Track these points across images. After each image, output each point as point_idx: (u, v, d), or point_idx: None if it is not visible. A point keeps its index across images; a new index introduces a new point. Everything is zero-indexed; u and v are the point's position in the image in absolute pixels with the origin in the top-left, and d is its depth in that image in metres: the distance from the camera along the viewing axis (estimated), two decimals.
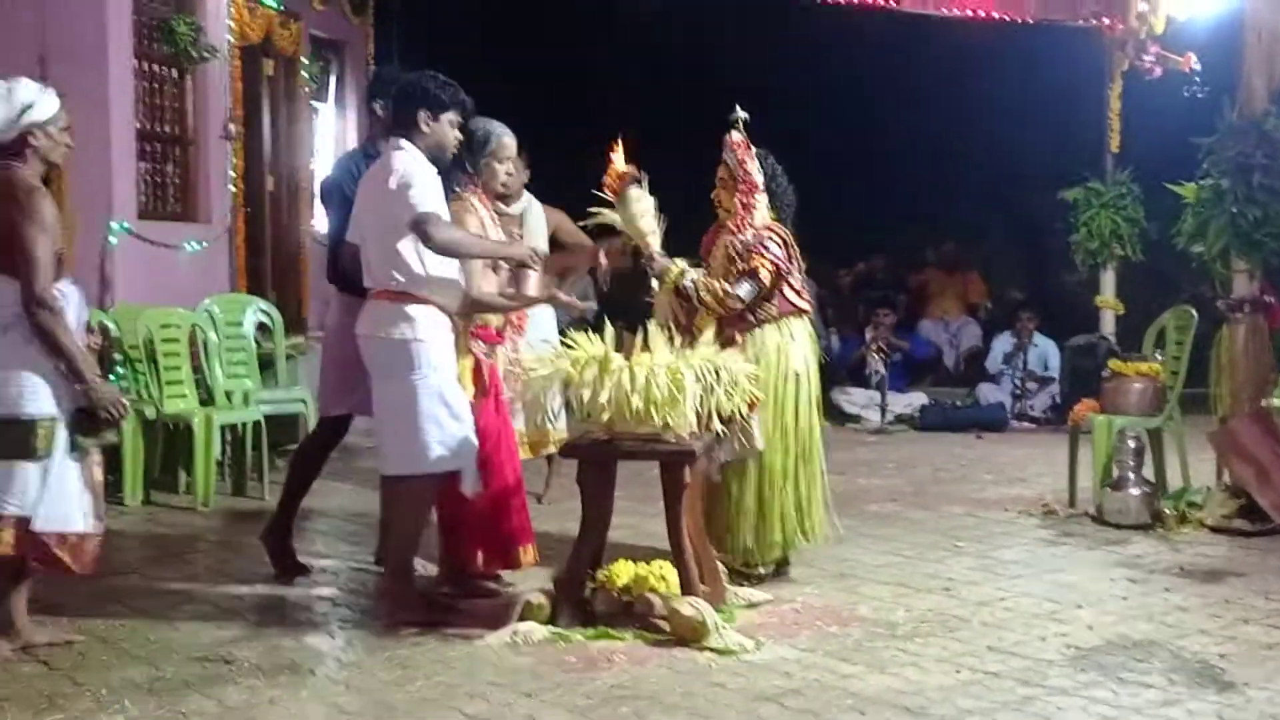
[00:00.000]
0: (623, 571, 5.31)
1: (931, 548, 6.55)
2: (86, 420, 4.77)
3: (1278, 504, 6.59)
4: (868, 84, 13.24)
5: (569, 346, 5.29)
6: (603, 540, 5.37)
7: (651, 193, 5.71)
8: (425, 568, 5.70)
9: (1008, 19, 10.56)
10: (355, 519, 7.15)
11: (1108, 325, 11.19)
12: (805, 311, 5.86)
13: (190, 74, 9.53)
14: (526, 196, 7.56)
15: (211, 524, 7.14)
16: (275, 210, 10.90)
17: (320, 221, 5.80)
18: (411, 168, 5.19)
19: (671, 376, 5.08)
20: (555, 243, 7.80)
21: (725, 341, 5.56)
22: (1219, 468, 7.27)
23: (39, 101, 4.84)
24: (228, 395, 8.11)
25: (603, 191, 5.72)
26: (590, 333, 5.30)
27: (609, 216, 5.74)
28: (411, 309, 5.16)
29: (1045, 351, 11.49)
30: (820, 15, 10.74)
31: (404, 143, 5.28)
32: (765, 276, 5.66)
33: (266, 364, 8.71)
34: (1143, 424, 7.27)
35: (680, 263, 5.72)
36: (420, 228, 5.09)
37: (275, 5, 10.42)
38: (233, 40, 9.85)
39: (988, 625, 5.23)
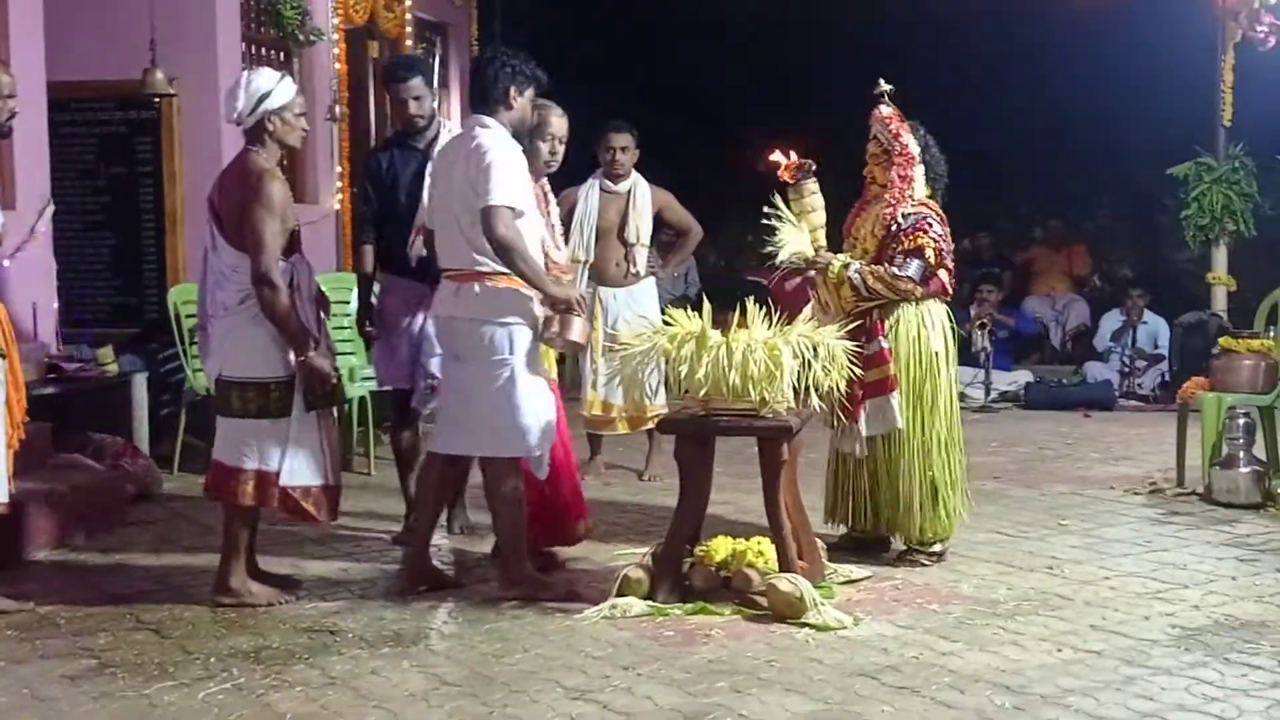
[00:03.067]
0: (721, 547, 5.33)
1: (1035, 526, 6.47)
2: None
3: None
4: (971, 58, 13.08)
5: (668, 323, 5.31)
6: (701, 515, 5.38)
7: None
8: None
9: None
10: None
11: (1219, 302, 10.95)
12: (948, 294, 5.80)
13: (296, 56, 9.69)
14: (634, 176, 7.67)
15: None
16: None
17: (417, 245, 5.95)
18: (503, 151, 5.15)
19: (769, 352, 5.07)
20: (661, 222, 7.91)
21: (862, 316, 5.60)
22: None
23: (275, 89, 5.15)
24: None
25: (778, 184, 5.72)
26: (690, 310, 5.31)
27: (788, 249, 5.69)
28: (509, 291, 5.19)
29: (1155, 329, 11.29)
30: None
31: (490, 121, 5.25)
32: (930, 256, 5.60)
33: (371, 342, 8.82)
34: (1253, 402, 7.11)
35: (841, 257, 5.69)
36: (488, 218, 5.04)
37: None
38: (338, 23, 9.99)
39: (1091, 604, 5.17)
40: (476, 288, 5.18)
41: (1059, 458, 8.41)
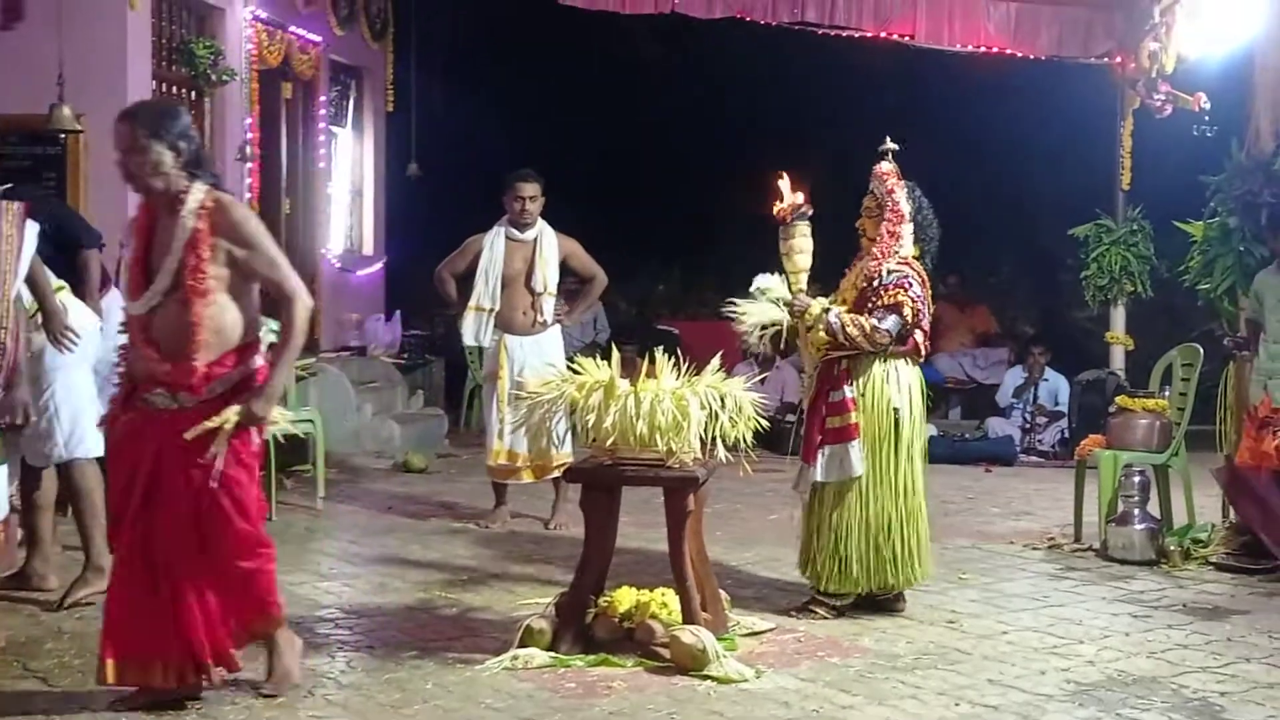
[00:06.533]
0: (624, 598, 5.32)
1: (935, 579, 6.50)
2: None
3: None
4: (876, 118, 13.29)
5: (576, 372, 5.32)
6: (605, 566, 5.37)
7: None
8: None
9: (1020, 55, 10.60)
10: (362, 540, 7.16)
11: (1117, 361, 11.19)
12: (921, 355, 5.85)
13: (209, 96, 9.62)
14: (540, 224, 7.68)
15: None
16: (291, 232, 10.98)
17: None
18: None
19: (676, 403, 5.10)
20: (566, 269, 7.92)
21: (830, 364, 5.68)
22: (1224, 505, 7.26)
23: None
24: None
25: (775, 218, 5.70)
26: (599, 358, 5.33)
27: (754, 311, 5.76)
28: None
29: (1055, 386, 11.49)
30: (826, 48, 10.76)
31: None
32: (908, 314, 5.66)
33: None
34: (1148, 460, 7.26)
35: (821, 301, 5.74)
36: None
37: None
38: (251, 64, 9.94)
39: (989, 659, 5.23)
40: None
41: (960, 512, 8.52)
